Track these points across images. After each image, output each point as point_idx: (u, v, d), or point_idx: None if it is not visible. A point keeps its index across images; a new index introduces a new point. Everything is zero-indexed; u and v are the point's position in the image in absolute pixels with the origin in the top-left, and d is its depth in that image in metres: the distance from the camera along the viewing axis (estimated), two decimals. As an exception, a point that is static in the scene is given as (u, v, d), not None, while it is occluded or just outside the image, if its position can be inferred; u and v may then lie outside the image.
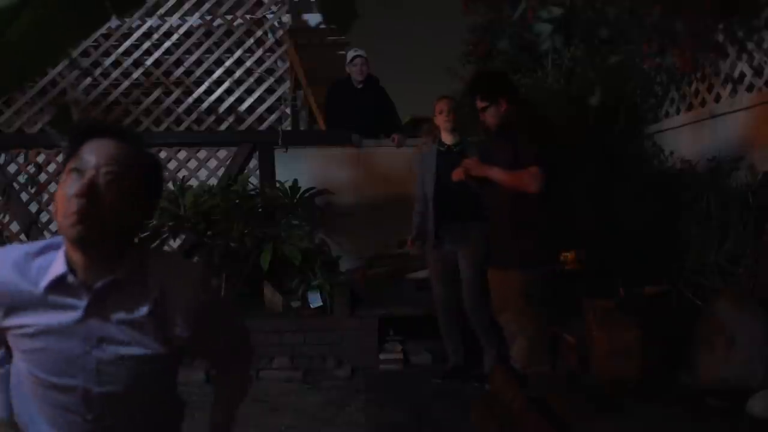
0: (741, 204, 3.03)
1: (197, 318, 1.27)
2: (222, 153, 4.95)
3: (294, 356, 3.97)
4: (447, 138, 3.68)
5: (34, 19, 0.55)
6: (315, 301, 4.18)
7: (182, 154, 4.93)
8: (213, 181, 4.79)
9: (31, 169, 5.02)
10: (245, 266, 4.21)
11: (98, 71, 5.15)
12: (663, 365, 2.82)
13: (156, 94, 5.06)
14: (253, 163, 4.94)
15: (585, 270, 3.50)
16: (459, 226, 3.57)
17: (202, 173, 4.90)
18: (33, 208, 4.98)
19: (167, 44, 5.07)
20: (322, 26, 5.44)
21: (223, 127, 5.08)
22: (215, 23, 5.16)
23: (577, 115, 3.96)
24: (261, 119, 5.06)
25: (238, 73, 5.06)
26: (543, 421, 2.39)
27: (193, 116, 5.05)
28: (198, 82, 5.09)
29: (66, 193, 1.14)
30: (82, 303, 1.18)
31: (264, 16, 5.18)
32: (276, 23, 5.17)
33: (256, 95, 5.06)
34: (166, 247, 4.48)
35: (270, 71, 5.14)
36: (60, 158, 5.01)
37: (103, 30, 4.99)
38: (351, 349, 4.00)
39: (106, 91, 5.12)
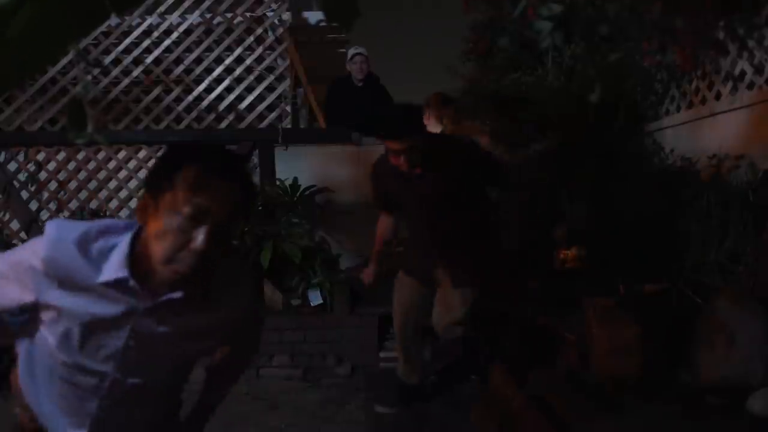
0: (741, 202, 3.03)
1: (235, 329, 1.31)
2: (222, 151, 4.95)
3: (294, 354, 3.97)
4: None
5: (33, 16, 0.55)
6: (315, 299, 4.18)
7: (182, 152, 4.93)
8: (213, 179, 4.79)
9: (31, 167, 5.02)
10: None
11: (98, 69, 5.14)
12: (663, 363, 2.82)
13: (156, 92, 5.06)
14: (254, 161, 4.94)
15: (585, 268, 3.50)
16: None
17: (202, 171, 4.90)
18: (33, 206, 4.98)
19: (167, 42, 5.07)
20: (323, 24, 5.43)
21: (223, 125, 5.08)
22: (215, 21, 5.15)
23: (577, 113, 3.96)
24: (261, 117, 5.06)
25: (238, 71, 5.06)
26: (542, 419, 2.39)
27: (193, 114, 5.05)
28: (198, 80, 5.09)
29: (177, 239, 1.09)
30: (140, 304, 1.16)
31: (264, 14, 5.17)
32: (276, 21, 5.16)
33: (256, 93, 5.06)
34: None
35: (270, 69, 5.14)
36: (61, 156, 5.00)
37: (103, 28, 4.99)
38: (351, 347, 4.01)
39: (106, 89, 5.12)
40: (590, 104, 3.99)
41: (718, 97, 3.63)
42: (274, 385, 3.66)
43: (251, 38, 5.10)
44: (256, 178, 4.81)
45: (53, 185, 5.00)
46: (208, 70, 5.09)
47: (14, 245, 4.58)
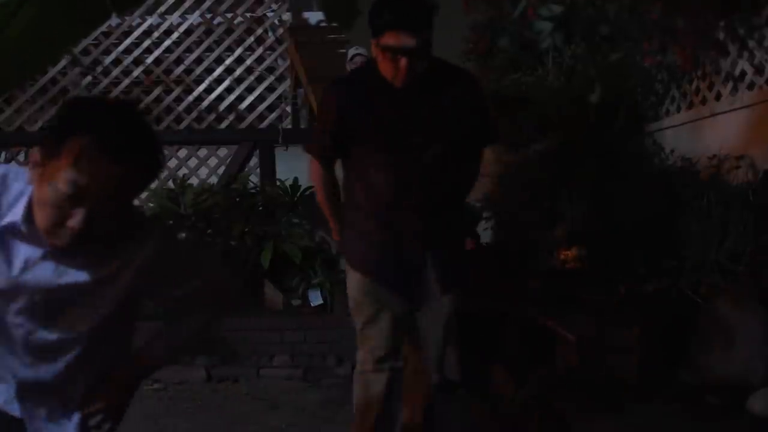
0: (742, 202, 3.03)
1: (153, 274, 1.22)
2: (222, 151, 4.95)
3: (294, 354, 3.97)
4: None
5: (34, 16, 0.55)
6: (315, 299, 4.18)
7: (182, 153, 4.93)
8: (213, 180, 4.79)
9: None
10: (245, 265, 4.21)
11: (99, 69, 5.15)
12: (663, 363, 2.82)
13: (156, 92, 5.06)
14: (254, 161, 4.94)
15: (585, 268, 3.50)
16: None
17: (203, 171, 4.90)
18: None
19: (167, 42, 5.07)
20: (323, 24, 5.44)
21: (223, 125, 5.08)
22: (215, 21, 5.15)
23: (577, 113, 3.96)
24: (261, 117, 5.06)
25: (238, 72, 5.06)
26: (542, 419, 2.39)
27: (194, 114, 5.05)
28: (198, 81, 5.09)
29: (54, 214, 1.04)
30: (37, 252, 1.12)
31: (264, 14, 5.17)
32: (276, 21, 5.17)
33: (256, 93, 5.06)
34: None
35: (270, 69, 5.14)
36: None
37: (103, 28, 4.99)
38: (351, 347, 3.98)
39: (107, 89, 5.12)
40: (590, 104, 3.99)
41: (718, 97, 3.63)
42: (275, 385, 3.66)
43: (251, 38, 5.10)
44: (256, 179, 4.82)
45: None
46: (209, 71, 5.09)
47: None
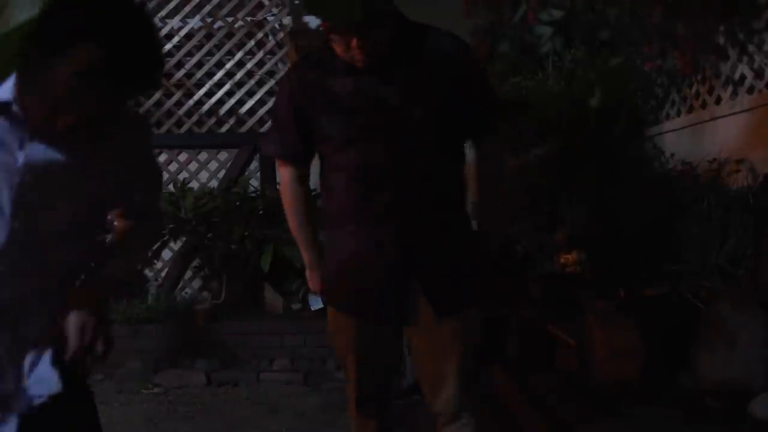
0: (742, 206, 3.03)
1: (126, 165, 1.24)
2: (223, 155, 4.95)
3: (294, 358, 3.97)
4: None
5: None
6: (315, 303, 4.17)
7: (183, 157, 4.93)
8: (214, 183, 4.79)
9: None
10: (246, 268, 4.21)
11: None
12: (663, 367, 2.82)
13: (157, 96, 5.07)
14: (254, 165, 4.94)
15: (585, 272, 3.50)
16: None
17: (203, 175, 4.90)
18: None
19: (168, 46, 5.08)
20: (323, 28, 5.45)
21: (224, 129, 5.08)
22: (216, 25, 5.16)
23: (577, 117, 3.97)
24: (262, 121, 5.06)
25: (239, 75, 5.06)
26: (543, 423, 2.39)
27: (194, 118, 5.05)
28: (199, 84, 5.09)
29: (51, 106, 1.04)
30: (27, 134, 1.12)
31: (265, 19, 5.18)
32: (277, 25, 5.17)
33: (257, 97, 5.06)
34: (166, 250, 4.49)
35: (271, 73, 5.14)
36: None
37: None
38: (351, 351, 4.00)
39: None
40: (591, 108, 3.99)
41: (718, 101, 3.64)
42: (275, 390, 3.66)
43: (252, 42, 5.11)
44: (256, 182, 4.82)
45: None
46: (209, 74, 5.09)
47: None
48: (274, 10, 5.18)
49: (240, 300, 4.30)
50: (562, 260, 3.60)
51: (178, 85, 5.10)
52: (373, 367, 1.84)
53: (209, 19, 5.14)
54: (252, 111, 5.07)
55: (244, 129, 5.06)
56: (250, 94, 5.08)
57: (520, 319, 3.57)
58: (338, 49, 1.63)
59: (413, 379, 2.53)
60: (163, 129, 5.05)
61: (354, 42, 1.57)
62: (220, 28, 5.15)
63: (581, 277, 3.48)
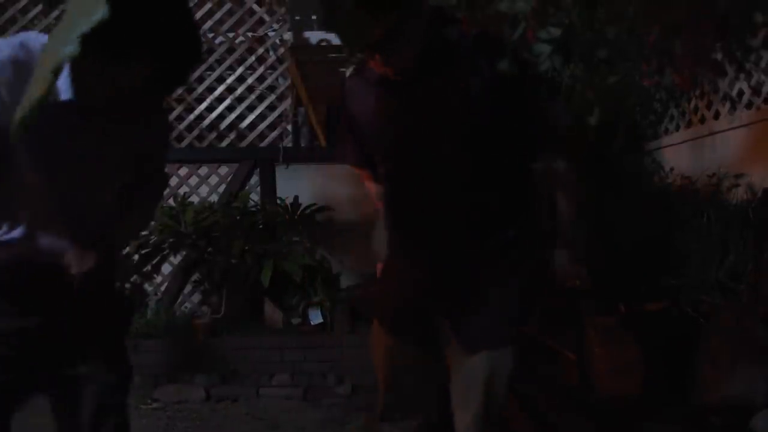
0: (741, 221, 3.04)
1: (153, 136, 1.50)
2: (223, 169, 4.97)
3: (294, 373, 3.95)
4: None
5: None
6: (315, 317, 4.17)
7: (183, 171, 4.95)
8: (214, 198, 4.80)
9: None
10: (246, 283, 4.20)
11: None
12: (664, 382, 2.81)
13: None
14: (254, 179, 4.96)
15: (585, 286, 3.50)
16: None
17: (203, 190, 4.92)
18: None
19: (169, 62, 5.11)
20: (324, 44, 5.48)
21: (224, 143, 5.10)
22: (217, 41, 5.20)
23: (576, 132, 3.98)
24: (262, 136, 5.08)
25: (239, 90, 5.09)
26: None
27: (195, 133, 5.07)
28: (200, 99, 5.12)
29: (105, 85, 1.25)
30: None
31: (266, 34, 5.22)
32: (277, 41, 5.21)
33: (257, 112, 5.09)
34: (166, 264, 4.49)
35: (271, 88, 5.17)
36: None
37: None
38: (352, 367, 3.99)
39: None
40: (590, 124, 4.00)
41: (716, 116, 3.66)
42: (274, 405, 3.64)
43: (253, 58, 5.14)
44: (257, 197, 4.83)
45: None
46: (210, 89, 5.12)
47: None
48: (275, 26, 5.22)
49: (240, 314, 4.29)
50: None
51: (179, 99, 5.13)
52: (401, 384, 1.84)
53: (210, 35, 5.18)
54: (252, 126, 5.09)
55: (244, 143, 5.08)
56: (250, 108, 5.10)
57: (520, 333, 3.56)
58: (372, 65, 1.54)
59: None
60: (164, 143, 5.07)
61: (377, 58, 1.47)
62: (221, 43, 5.19)
63: (581, 291, 3.48)
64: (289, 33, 5.28)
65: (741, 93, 3.44)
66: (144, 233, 4.07)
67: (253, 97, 5.11)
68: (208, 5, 5.09)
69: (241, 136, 5.11)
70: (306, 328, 4.16)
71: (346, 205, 4.88)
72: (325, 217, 4.85)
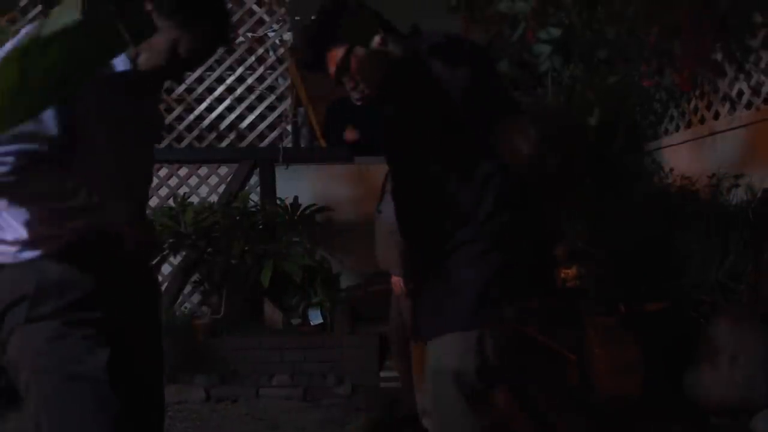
0: (741, 221, 3.04)
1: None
2: (223, 170, 4.96)
3: (294, 374, 3.95)
4: None
5: (59, 49, 0.57)
6: (315, 318, 4.17)
7: (183, 171, 4.94)
8: (214, 198, 4.80)
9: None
10: (245, 283, 4.20)
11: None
12: (664, 383, 2.81)
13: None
14: (254, 179, 4.95)
15: (585, 287, 3.50)
16: None
17: (203, 190, 4.91)
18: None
19: (169, 62, 5.11)
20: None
21: (224, 144, 5.10)
22: (217, 41, 5.19)
23: (577, 133, 3.98)
24: (262, 136, 5.08)
25: (239, 91, 5.09)
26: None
27: (195, 133, 5.07)
28: (199, 99, 5.12)
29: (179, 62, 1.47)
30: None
31: (265, 34, 5.22)
32: (277, 41, 5.21)
33: (257, 112, 5.08)
34: (165, 264, 4.48)
35: (271, 88, 5.17)
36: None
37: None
38: (351, 367, 3.99)
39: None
40: (590, 124, 4.01)
41: (716, 116, 3.66)
42: (274, 405, 3.63)
43: (252, 58, 5.14)
44: (256, 197, 4.83)
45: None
46: (210, 89, 5.12)
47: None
48: (275, 26, 5.22)
49: (239, 315, 4.28)
50: (563, 275, 3.60)
51: (179, 100, 5.12)
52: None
53: (210, 35, 5.17)
54: (252, 126, 5.09)
55: (244, 144, 5.07)
56: (250, 109, 5.10)
57: (520, 333, 3.56)
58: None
59: None
60: (164, 143, 5.06)
61: (341, 86, 1.71)
62: (221, 43, 5.18)
63: (582, 291, 3.48)
64: (289, 33, 5.28)
65: (741, 93, 3.44)
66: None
67: (252, 97, 5.10)
68: (208, 5, 5.09)
69: (241, 136, 5.11)
70: (306, 328, 4.16)
71: (346, 205, 4.88)
72: (325, 217, 4.85)
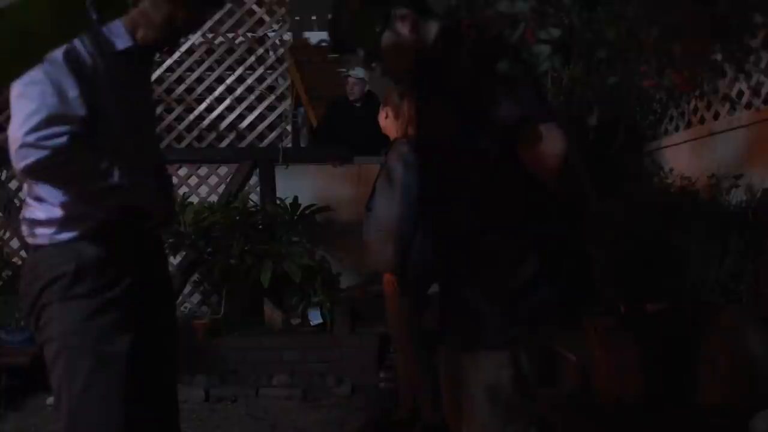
0: (741, 221, 3.04)
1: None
2: (223, 170, 4.96)
3: (294, 374, 3.95)
4: None
5: (14, 23, 0.56)
6: (315, 318, 4.17)
7: (183, 171, 4.94)
8: (213, 198, 4.80)
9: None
10: (245, 283, 4.20)
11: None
12: (665, 383, 2.81)
13: (157, 111, 5.09)
14: (254, 179, 4.95)
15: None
16: None
17: (203, 190, 4.91)
18: (33, 224, 4.97)
19: (169, 62, 5.11)
20: (323, 44, 5.49)
21: (224, 144, 5.10)
22: (217, 41, 5.19)
23: (577, 133, 3.98)
24: (262, 136, 5.08)
25: (239, 91, 5.09)
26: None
27: (195, 133, 5.07)
28: (199, 99, 5.12)
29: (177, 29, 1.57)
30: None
31: (265, 35, 5.21)
32: (277, 41, 5.21)
33: (257, 112, 5.08)
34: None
35: (271, 89, 5.17)
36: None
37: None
38: (351, 367, 3.99)
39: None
40: (589, 124, 4.01)
41: (716, 117, 3.66)
42: (274, 406, 3.63)
43: (252, 58, 5.13)
44: (256, 197, 4.83)
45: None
46: (210, 90, 5.11)
47: (15, 264, 4.57)
48: (275, 26, 5.22)
49: (239, 315, 4.29)
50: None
51: (179, 100, 5.12)
52: None
53: (210, 35, 5.18)
54: (252, 126, 5.09)
55: (244, 144, 5.07)
56: (250, 109, 5.10)
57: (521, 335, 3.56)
58: None
59: None
60: (163, 144, 5.06)
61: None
62: (221, 43, 5.18)
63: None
64: (289, 33, 5.28)
65: (741, 94, 3.44)
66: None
67: (252, 97, 5.10)
68: (208, 5, 5.09)
69: (241, 136, 5.11)
70: (305, 328, 4.16)
71: (346, 205, 4.88)
72: (325, 217, 4.85)
